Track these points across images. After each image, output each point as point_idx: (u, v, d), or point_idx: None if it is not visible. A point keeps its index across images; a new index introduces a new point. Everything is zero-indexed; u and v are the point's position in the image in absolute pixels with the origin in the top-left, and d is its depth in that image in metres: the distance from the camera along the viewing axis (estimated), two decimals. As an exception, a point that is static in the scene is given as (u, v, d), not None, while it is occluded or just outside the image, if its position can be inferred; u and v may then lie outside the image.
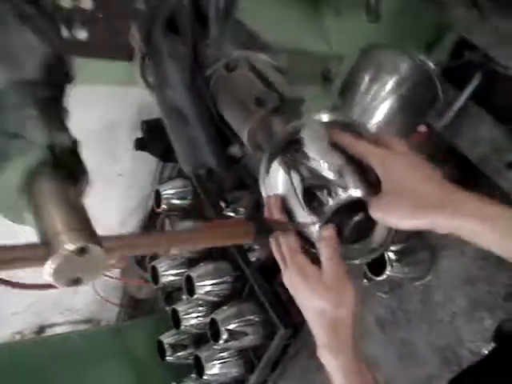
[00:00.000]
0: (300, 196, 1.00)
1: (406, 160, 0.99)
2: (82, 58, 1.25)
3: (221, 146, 1.14)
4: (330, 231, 1.01)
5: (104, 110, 2.75)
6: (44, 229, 0.72)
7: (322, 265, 1.02)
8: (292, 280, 1.04)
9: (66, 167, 0.81)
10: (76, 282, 0.72)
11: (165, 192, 2.67)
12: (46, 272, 0.69)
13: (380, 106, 1.27)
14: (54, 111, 0.88)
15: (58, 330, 3.88)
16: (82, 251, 0.69)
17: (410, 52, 1.30)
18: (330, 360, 1.05)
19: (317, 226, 0.99)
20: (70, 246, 0.69)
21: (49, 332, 3.91)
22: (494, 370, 1.40)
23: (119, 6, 1.21)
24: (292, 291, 1.06)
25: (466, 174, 1.73)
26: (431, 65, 1.37)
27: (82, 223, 0.73)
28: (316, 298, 1.02)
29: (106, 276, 3.57)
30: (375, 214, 0.96)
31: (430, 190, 0.94)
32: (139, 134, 2.91)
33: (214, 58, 1.12)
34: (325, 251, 1.02)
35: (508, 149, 1.60)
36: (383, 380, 2.16)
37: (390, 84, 1.27)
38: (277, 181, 1.04)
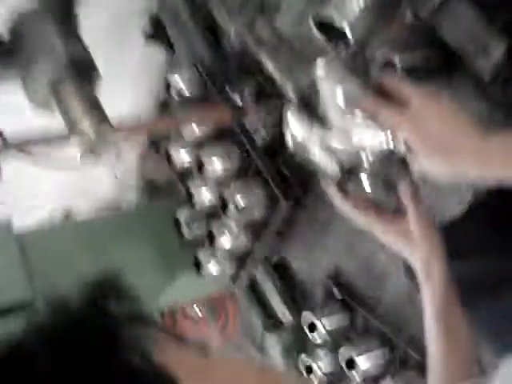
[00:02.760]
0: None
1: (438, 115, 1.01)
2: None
3: (214, 42, 1.29)
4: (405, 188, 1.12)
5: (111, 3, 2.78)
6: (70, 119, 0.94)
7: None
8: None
9: (83, 70, 1.01)
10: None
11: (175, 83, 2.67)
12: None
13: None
14: (69, 23, 1.07)
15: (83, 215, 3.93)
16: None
17: None
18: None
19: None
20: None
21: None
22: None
23: None
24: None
25: (448, 58, 1.81)
26: None
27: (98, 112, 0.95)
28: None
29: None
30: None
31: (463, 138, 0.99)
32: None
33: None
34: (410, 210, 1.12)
35: (485, 37, 1.66)
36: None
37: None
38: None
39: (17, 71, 1.06)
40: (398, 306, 2.29)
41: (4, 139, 0.98)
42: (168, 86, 2.76)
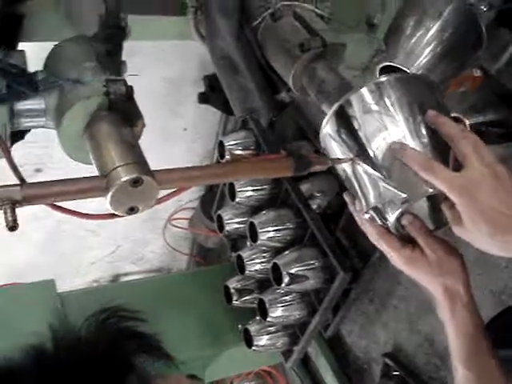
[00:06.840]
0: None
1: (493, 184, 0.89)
2: (137, 15, 1.33)
3: (269, 91, 1.20)
4: (408, 218, 1.01)
5: (166, 67, 2.83)
6: (103, 164, 0.82)
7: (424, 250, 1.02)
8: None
9: (122, 111, 0.90)
10: (132, 210, 0.82)
11: (228, 143, 2.63)
12: (107, 201, 0.80)
13: (423, 51, 1.27)
14: (110, 63, 0.96)
15: (131, 278, 3.96)
16: (136, 182, 0.79)
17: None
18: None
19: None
20: (126, 178, 0.79)
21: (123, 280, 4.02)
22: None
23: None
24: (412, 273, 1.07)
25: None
26: (480, 7, 1.36)
27: (136, 158, 0.83)
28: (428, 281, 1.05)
29: (176, 227, 3.69)
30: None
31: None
32: (202, 89, 2.95)
33: (261, 9, 1.17)
34: (418, 238, 1.02)
35: None
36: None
37: (434, 29, 1.27)
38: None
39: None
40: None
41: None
42: (221, 147, 2.67)
